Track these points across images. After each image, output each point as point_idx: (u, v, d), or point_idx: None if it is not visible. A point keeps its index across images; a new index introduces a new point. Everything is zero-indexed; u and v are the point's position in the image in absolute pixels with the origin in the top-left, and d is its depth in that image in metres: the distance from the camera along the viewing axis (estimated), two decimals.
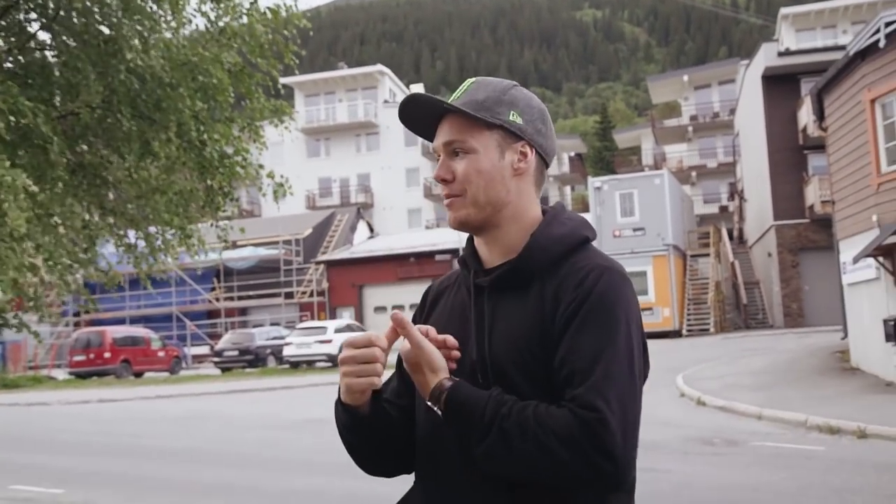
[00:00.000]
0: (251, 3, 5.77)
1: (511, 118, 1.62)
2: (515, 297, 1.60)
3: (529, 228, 1.63)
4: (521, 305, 1.59)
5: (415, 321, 1.71)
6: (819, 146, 24.33)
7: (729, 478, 8.13)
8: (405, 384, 1.70)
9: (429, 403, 1.54)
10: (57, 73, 5.21)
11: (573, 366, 1.47)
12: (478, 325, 1.60)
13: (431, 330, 1.58)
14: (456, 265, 1.78)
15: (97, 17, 5.09)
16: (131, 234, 6.21)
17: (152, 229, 5.93)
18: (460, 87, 1.67)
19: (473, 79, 1.69)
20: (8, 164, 4.82)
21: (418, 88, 65.24)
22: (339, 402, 1.62)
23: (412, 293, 32.48)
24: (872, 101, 14.21)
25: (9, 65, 5.50)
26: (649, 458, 8.99)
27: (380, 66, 57.76)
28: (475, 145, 1.60)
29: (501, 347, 1.57)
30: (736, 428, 11.12)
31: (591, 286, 1.53)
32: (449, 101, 1.62)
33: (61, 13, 5.35)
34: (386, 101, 55.96)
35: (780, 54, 31.47)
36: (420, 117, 1.67)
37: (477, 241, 1.69)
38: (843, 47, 21.68)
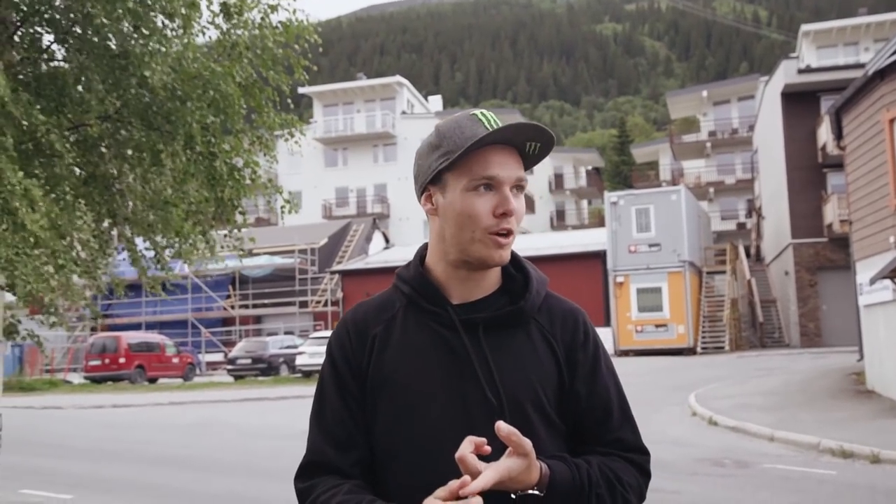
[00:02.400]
0: (262, 18, 5.80)
1: None
2: (512, 336, 1.62)
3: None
4: (527, 347, 1.61)
5: (352, 362, 1.62)
6: (838, 164, 24.18)
7: (738, 500, 8.04)
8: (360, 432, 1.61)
9: (531, 492, 1.48)
10: (69, 85, 5.26)
11: (605, 407, 1.65)
12: (482, 365, 1.57)
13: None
14: (390, 295, 1.70)
15: (108, 32, 5.13)
16: (139, 241, 6.24)
17: (161, 239, 5.96)
18: (490, 115, 1.61)
19: (490, 112, 1.62)
20: (21, 174, 4.87)
21: (436, 100, 65.50)
22: None
23: None
24: (891, 122, 14.10)
25: (21, 76, 5.56)
26: (657, 478, 8.89)
27: (398, 78, 57.94)
28: (525, 186, 1.62)
29: (515, 388, 1.56)
30: (747, 449, 11.02)
31: (591, 331, 1.70)
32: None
33: (75, 28, 5.41)
34: (404, 113, 56.13)
35: (800, 71, 31.31)
36: (505, 140, 1.58)
37: (457, 277, 1.63)
38: (863, 65, 21.55)
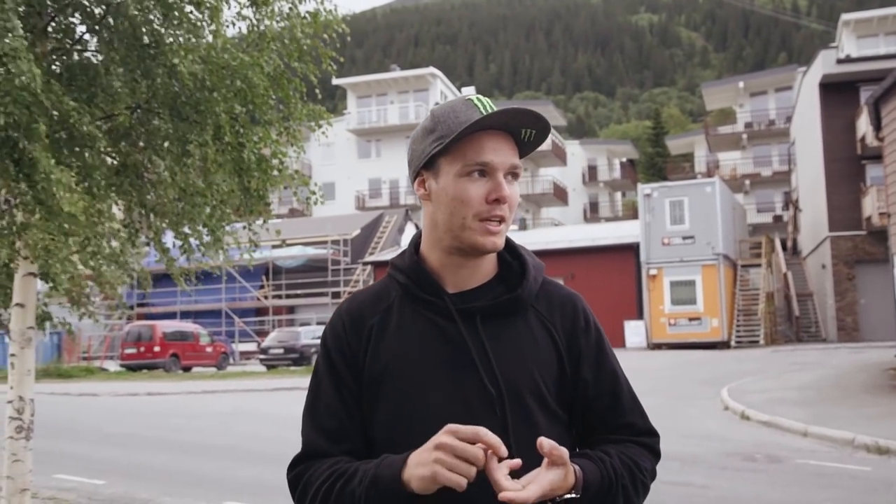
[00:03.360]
0: (290, 8, 5.81)
1: None
2: (510, 324, 1.60)
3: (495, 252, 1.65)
4: (525, 335, 1.60)
5: (347, 353, 1.60)
6: (878, 156, 23.73)
7: (768, 496, 7.94)
8: (352, 421, 1.59)
9: (568, 496, 1.48)
10: (101, 75, 5.33)
11: (614, 392, 1.66)
12: (480, 354, 1.55)
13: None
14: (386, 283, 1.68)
15: (139, 21, 5.18)
16: (168, 235, 6.31)
17: (188, 230, 6.02)
18: (489, 101, 1.58)
19: (485, 98, 1.60)
20: (53, 161, 4.93)
21: (470, 91, 65.32)
22: (387, 483, 1.44)
23: None
24: None
25: (55, 67, 5.63)
26: (686, 472, 8.85)
27: (431, 69, 57.97)
28: (520, 174, 1.61)
29: (514, 377, 1.55)
30: (780, 444, 10.88)
31: (591, 317, 1.69)
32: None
33: (108, 18, 5.46)
34: (437, 104, 56.02)
35: (839, 61, 30.77)
36: (500, 125, 1.56)
37: (452, 264, 1.62)
38: None
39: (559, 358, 1.61)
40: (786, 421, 12.14)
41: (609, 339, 1.73)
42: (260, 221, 6.37)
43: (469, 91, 65.17)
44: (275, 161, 5.88)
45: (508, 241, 1.67)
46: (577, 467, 1.48)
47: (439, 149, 1.56)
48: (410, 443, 1.48)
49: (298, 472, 1.60)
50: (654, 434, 1.68)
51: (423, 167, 1.61)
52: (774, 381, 17.27)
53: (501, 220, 1.56)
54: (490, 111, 1.55)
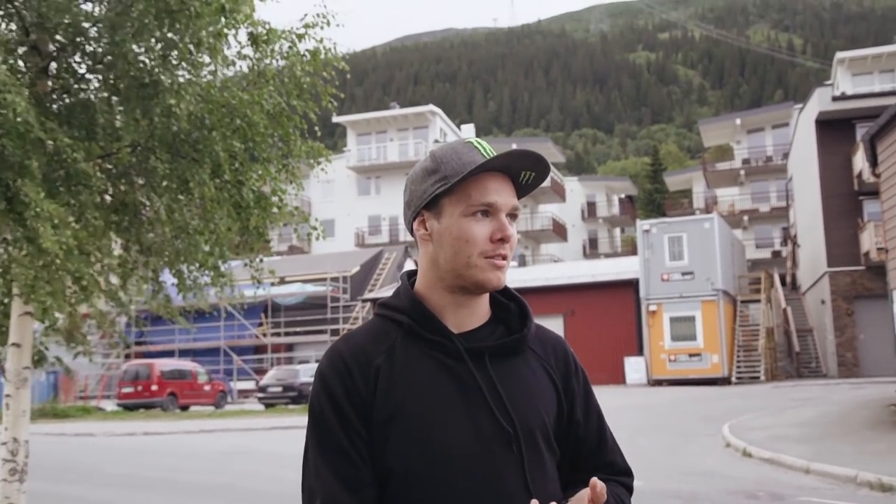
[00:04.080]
0: (290, 47, 5.86)
1: None
2: (515, 364, 1.63)
3: (489, 294, 1.68)
4: (530, 375, 1.64)
5: (354, 396, 1.56)
6: (875, 192, 23.83)
7: None
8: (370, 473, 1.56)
9: None
10: (100, 115, 5.36)
11: (600, 433, 1.73)
12: (492, 393, 1.57)
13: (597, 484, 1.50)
14: (382, 324, 1.66)
15: (142, 60, 5.23)
16: (166, 273, 6.30)
17: (185, 269, 6.01)
18: (488, 145, 1.63)
19: (484, 141, 1.66)
20: (43, 194, 4.94)
21: (469, 129, 65.80)
22: None
23: None
24: None
25: (55, 107, 5.67)
26: None
27: (431, 107, 58.36)
28: (518, 215, 1.65)
29: (526, 416, 1.58)
30: (782, 481, 10.77)
31: (577, 359, 1.75)
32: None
33: (109, 58, 5.51)
34: (436, 141, 56.45)
35: (835, 99, 31.02)
36: (502, 168, 1.60)
37: (454, 303, 1.62)
38: None
39: (558, 398, 1.66)
40: (788, 458, 12.03)
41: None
42: (259, 259, 6.36)
43: (468, 129, 65.63)
44: (274, 198, 5.89)
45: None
46: None
47: (443, 189, 1.58)
48: (434, 477, 1.50)
49: None
50: (630, 474, 1.76)
51: (425, 207, 1.62)
52: (776, 417, 17.15)
53: (504, 258, 1.59)
54: (490, 154, 1.59)
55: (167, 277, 6.45)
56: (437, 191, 1.59)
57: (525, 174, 1.62)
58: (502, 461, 1.52)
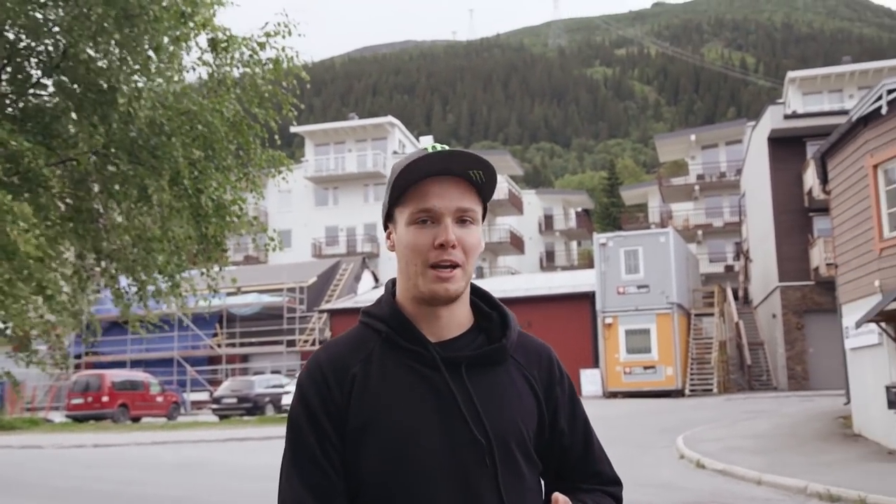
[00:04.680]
0: (251, 55, 5.83)
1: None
2: (494, 374, 1.60)
3: (468, 302, 1.66)
4: (509, 386, 1.60)
5: (329, 405, 1.55)
6: (824, 209, 24.37)
7: None
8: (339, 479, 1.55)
9: None
10: (56, 120, 5.26)
11: (586, 441, 1.70)
12: (467, 404, 1.54)
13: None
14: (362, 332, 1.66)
15: (96, 66, 5.14)
16: (123, 280, 6.19)
17: (143, 277, 5.91)
18: (442, 147, 1.56)
19: (451, 148, 1.57)
20: (10, 196, 4.84)
21: (428, 141, 65.89)
22: None
23: None
24: (875, 167, 14.25)
25: (9, 110, 5.56)
26: None
27: (390, 118, 58.34)
28: (478, 217, 1.59)
29: (501, 426, 1.55)
30: (735, 492, 10.92)
31: (563, 368, 1.71)
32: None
33: (64, 63, 5.42)
34: (395, 153, 56.43)
35: (787, 117, 31.69)
36: (441, 171, 1.55)
37: (426, 313, 1.60)
38: (847, 112, 21.83)
39: (539, 407, 1.63)
40: (740, 469, 12.21)
41: None
42: (217, 269, 6.28)
43: (427, 141, 65.75)
44: (234, 207, 5.83)
45: (482, 292, 1.69)
46: None
47: (392, 200, 1.58)
48: (404, 489, 1.49)
49: None
50: (619, 483, 1.73)
51: (387, 219, 1.64)
52: (729, 429, 17.40)
53: (453, 265, 1.54)
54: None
55: (123, 284, 6.34)
56: (389, 202, 1.60)
57: (474, 173, 1.56)
58: (475, 473, 1.50)
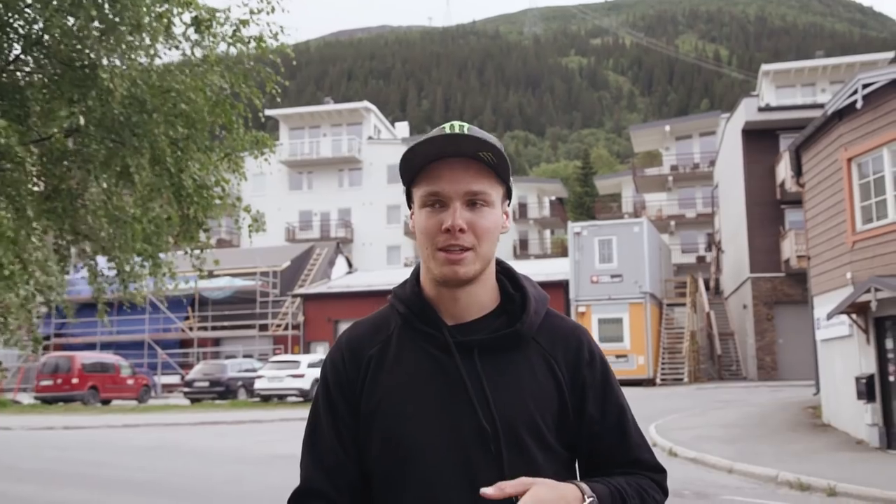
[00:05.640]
0: (234, 32, 5.74)
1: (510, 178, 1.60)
2: (509, 358, 1.56)
3: (494, 284, 1.62)
4: (524, 370, 1.55)
5: (345, 387, 1.56)
6: (796, 201, 24.63)
7: None
8: (348, 456, 1.55)
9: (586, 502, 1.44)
10: (33, 96, 5.14)
11: (621, 428, 1.60)
12: (476, 390, 1.50)
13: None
14: (387, 315, 1.64)
15: (77, 43, 5.04)
16: (101, 260, 6.10)
17: (120, 257, 5.82)
18: (462, 127, 1.51)
19: (466, 124, 1.53)
20: None
21: (403, 126, 65.65)
22: None
23: None
24: (849, 161, 14.41)
25: None
26: None
27: (366, 103, 58.05)
28: (494, 199, 1.54)
29: (511, 413, 1.51)
30: (706, 480, 11.06)
31: (596, 350, 1.63)
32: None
33: (45, 38, 5.31)
34: (370, 138, 56.19)
35: (761, 109, 31.95)
36: (452, 153, 1.50)
37: (445, 296, 1.57)
38: (821, 105, 22.06)
39: (560, 392, 1.56)
40: (712, 458, 12.36)
41: None
42: (198, 251, 6.21)
43: (402, 126, 65.48)
44: (217, 189, 5.76)
45: (510, 272, 1.65)
46: (592, 498, 1.45)
47: (407, 181, 1.56)
48: (407, 481, 1.47)
49: None
50: (662, 470, 1.63)
51: (408, 199, 1.60)
52: (700, 418, 17.58)
53: (463, 249, 1.49)
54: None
55: (103, 265, 6.24)
56: (406, 183, 1.57)
57: (485, 154, 1.50)
58: (479, 460, 1.47)
